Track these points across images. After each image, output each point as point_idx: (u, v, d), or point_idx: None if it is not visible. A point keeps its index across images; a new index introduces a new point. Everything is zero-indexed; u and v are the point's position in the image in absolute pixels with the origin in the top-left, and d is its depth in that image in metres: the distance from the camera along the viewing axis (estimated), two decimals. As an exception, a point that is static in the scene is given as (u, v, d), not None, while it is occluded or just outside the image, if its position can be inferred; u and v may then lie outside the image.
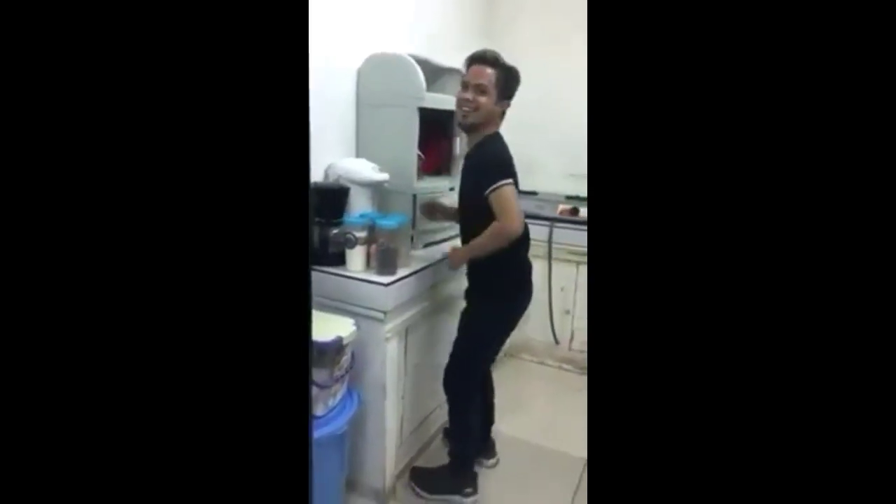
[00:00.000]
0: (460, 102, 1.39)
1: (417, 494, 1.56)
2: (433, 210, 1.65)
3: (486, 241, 1.35)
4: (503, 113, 1.43)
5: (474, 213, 1.39)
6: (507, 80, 1.38)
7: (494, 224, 1.32)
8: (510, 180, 1.32)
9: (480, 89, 1.35)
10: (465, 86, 1.38)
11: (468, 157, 1.45)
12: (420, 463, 1.70)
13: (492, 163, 1.36)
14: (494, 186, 1.30)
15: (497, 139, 1.42)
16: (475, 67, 1.38)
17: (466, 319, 1.51)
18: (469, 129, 1.42)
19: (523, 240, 1.43)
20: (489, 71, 1.36)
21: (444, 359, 1.74)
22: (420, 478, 1.59)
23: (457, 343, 1.53)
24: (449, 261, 1.51)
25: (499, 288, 1.46)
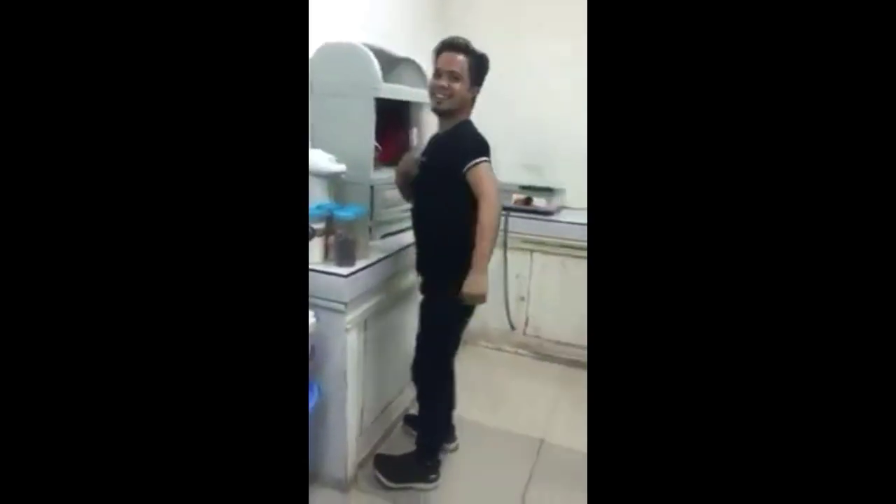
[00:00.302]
0: (434, 89, 1.40)
1: (382, 484, 1.56)
2: (407, 176, 1.54)
3: (483, 243, 1.31)
4: (474, 99, 1.45)
5: (441, 191, 1.40)
6: (479, 67, 1.41)
7: (480, 218, 1.31)
8: (488, 159, 1.35)
9: (454, 76, 1.37)
10: (439, 73, 1.39)
11: (443, 137, 1.45)
12: (381, 451, 1.72)
13: (471, 141, 1.38)
14: (475, 162, 1.32)
15: (471, 124, 1.44)
16: (447, 54, 1.39)
17: (427, 311, 1.52)
18: (443, 115, 1.43)
19: (469, 223, 1.42)
20: (461, 58, 1.38)
21: (403, 348, 1.76)
22: (384, 466, 1.60)
23: (422, 336, 1.55)
24: (474, 295, 1.35)
25: (455, 277, 1.47)
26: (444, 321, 1.51)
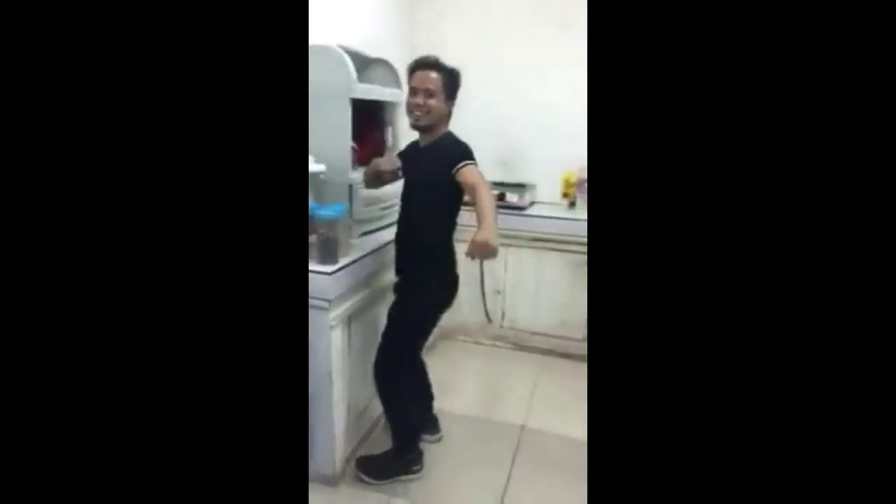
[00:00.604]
0: (412, 107, 1.47)
1: (367, 483, 1.59)
2: (380, 174, 1.59)
3: (488, 210, 1.30)
4: (450, 112, 1.53)
5: (432, 197, 1.47)
6: (451, 82, 1.48)
7: (479, 201, 1.32)
8: (475, 161, 1.43)
9: (429, 93, 1.44)
10: (415, 91, 1.46)
11: (428, 149, 1.51)
12: (367, 446, 1.75)
13: (456, 148, 1.46)
14: (463, 164, 1.39)
15: (451, 134, 1.52)
16: (420, 73, 1.46)
17: (400, 310, 1.56)
18: (423, 131, 1.51)
19: (453, 231, 1.54)
20: (433, 75, 1.45)
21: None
22: (366, 466, 1.62)
23: (390, 334, 1.56)
24: (482, 250, 1.27)
25: (437, 279, 1.53)
26: (423, 320, 1.58)
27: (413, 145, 1.60)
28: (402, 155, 1.62)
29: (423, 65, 1.47)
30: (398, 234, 1.59)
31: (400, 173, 1.59)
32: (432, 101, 1.45)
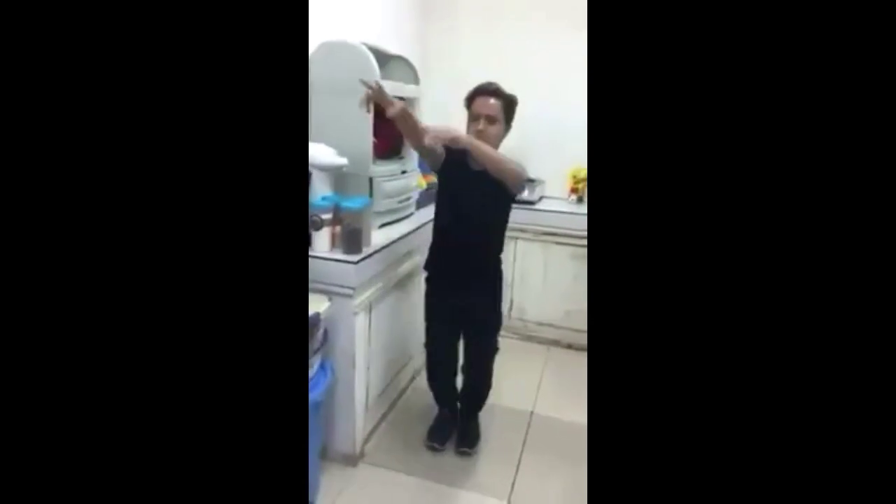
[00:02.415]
0: (477, 134, 1.49)
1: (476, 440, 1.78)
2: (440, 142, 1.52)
3: (498, 155, 1.47)
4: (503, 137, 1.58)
5: (497, 219, 1.61)
6: (510, 108, 1.54)
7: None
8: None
9: (490, 119, 1.49)
10: (476, 117, 1.50)
11: (484, 174, 1.49)
12: (385, 427, 1.83)
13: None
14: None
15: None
16: (481, 99, 1.50)
17: (489, 317, 1.70)
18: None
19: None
20: (493, 101, 1.50)
21: (403, 330, 1.87)
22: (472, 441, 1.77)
23: (490, 332, 1.72)
24: (462, 137, 1.42)
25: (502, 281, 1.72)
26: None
27: (458, 163, 1.54)
28: (448, 168, 1.58)
29: (484, 91, 1.51)
30: (459, 256, 1.59)
31: (439, 151, 1.54)
32: (493, 128, 1.50)
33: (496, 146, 1.53)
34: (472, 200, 1.54)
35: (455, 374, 1.78)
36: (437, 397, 1.82)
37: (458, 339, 1.74)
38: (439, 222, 1.64)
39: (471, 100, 1.54)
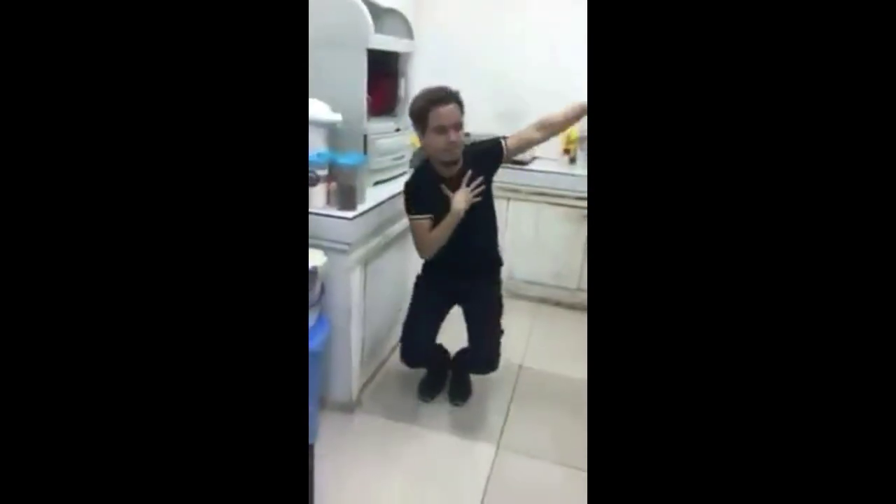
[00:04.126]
0: (451, 146, 1.48)
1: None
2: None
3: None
4: None
5: (490, 209, 1.68)
6: (462, 107, 1.54)
7: (549, 115, 1.68)
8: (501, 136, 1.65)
9: (457, 127, 1.50)
10: (444, 129, 1.47)
11: (461, 173, 1.56)
12: (380, 377, 1.91)
13: (481, 146, 1.66)
14: (502, 142, 1.64)
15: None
16: (442, 110, 1.47)
17: (490, 304, 1.76)
18: (456, 163, 1.55)
19: None
20: (453, 107, 1.49)
21: (395, 287, 1.92)
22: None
23: (495, 318, 1.76)
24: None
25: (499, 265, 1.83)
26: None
27: (431, 182, 1.57)
28: (428, 202, 1.58)
29: (441, 101, 1.47)
30: (462, 255, 1.62)
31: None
32: (460, 133, 1.50)
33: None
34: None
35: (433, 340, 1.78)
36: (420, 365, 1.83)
37: (440, 321, 1.76)
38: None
39: (424, 112, 1.48)
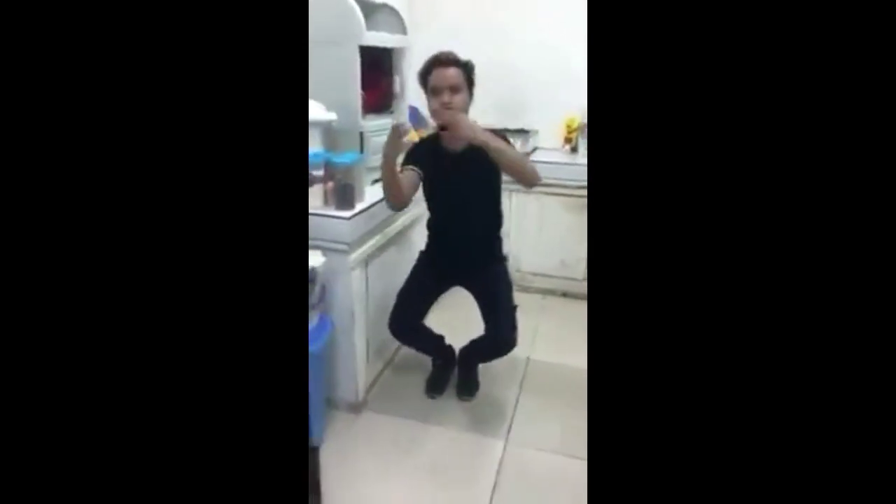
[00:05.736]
0: (442, 107, 1.43)
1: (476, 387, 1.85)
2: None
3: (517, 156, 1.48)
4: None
5: (494, 190, 1.63)
6: (470, 74, 1.49)
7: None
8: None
9: (454, 89, 1.45)
10: (438, 90, 1.44)
11: (466, 154, 1.50)
12: (387, 376, 1.90)
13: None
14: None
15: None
16: (438, 71, 1.44)
17: (502, 284, 1.72)
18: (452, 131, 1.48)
19: None
20: (452, 71, 1.45)
21: (399, 285, 1.91)
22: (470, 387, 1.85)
23: (506, 299, 1.72)
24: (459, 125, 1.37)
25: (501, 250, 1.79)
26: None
27: (433, 150, 1.55)
28: (421, 162, 1.56)
29: (439, 63, 1.46)
30: (462, 239, 1.62)
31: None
32: (458, 97, 1.45)
33: (467, 113, 1.49)
34: (459, 189, 1.55)
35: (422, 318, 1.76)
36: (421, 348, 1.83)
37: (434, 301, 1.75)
38: (431, 222, 1.69)
39: (425, 75, 1.48)
